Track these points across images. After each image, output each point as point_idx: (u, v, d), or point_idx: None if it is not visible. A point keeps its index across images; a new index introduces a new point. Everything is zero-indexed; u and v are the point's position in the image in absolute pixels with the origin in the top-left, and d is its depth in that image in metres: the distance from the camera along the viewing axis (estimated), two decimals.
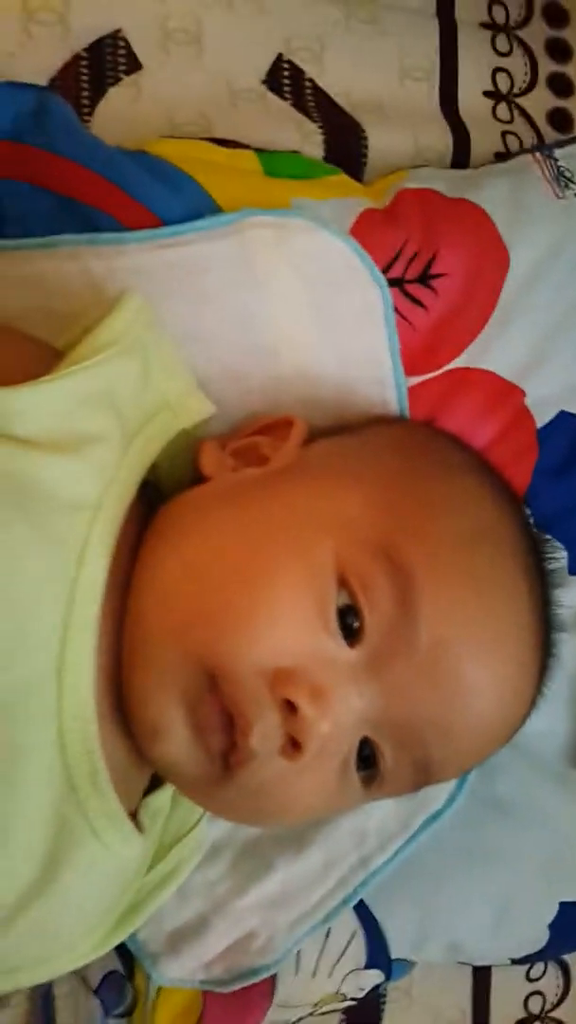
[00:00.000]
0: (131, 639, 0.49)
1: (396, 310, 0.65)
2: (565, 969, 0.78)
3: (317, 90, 0.71)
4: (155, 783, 0.55)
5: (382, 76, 0.74)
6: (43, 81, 0.64)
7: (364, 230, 0.64)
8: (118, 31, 0.66)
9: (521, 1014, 0.77)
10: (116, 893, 0.53)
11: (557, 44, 0.79)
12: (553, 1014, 0.78)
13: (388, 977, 0.69)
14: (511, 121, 0.77)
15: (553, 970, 0.78)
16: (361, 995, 0.69)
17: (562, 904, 0.70)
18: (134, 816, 0.52)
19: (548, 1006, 0.77)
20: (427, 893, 0.67)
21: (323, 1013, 0.69)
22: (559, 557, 0.70)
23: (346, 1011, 0.71)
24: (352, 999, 0.69)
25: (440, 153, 0.74)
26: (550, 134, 0.78)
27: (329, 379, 0.64)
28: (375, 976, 0.68)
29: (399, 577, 0.49)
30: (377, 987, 0.69)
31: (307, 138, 0.70)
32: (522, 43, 0.78)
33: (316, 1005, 0.68)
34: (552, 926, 0.70)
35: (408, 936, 0.68)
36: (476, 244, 0.67)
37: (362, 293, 0.64)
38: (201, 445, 0.56)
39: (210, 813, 0.57)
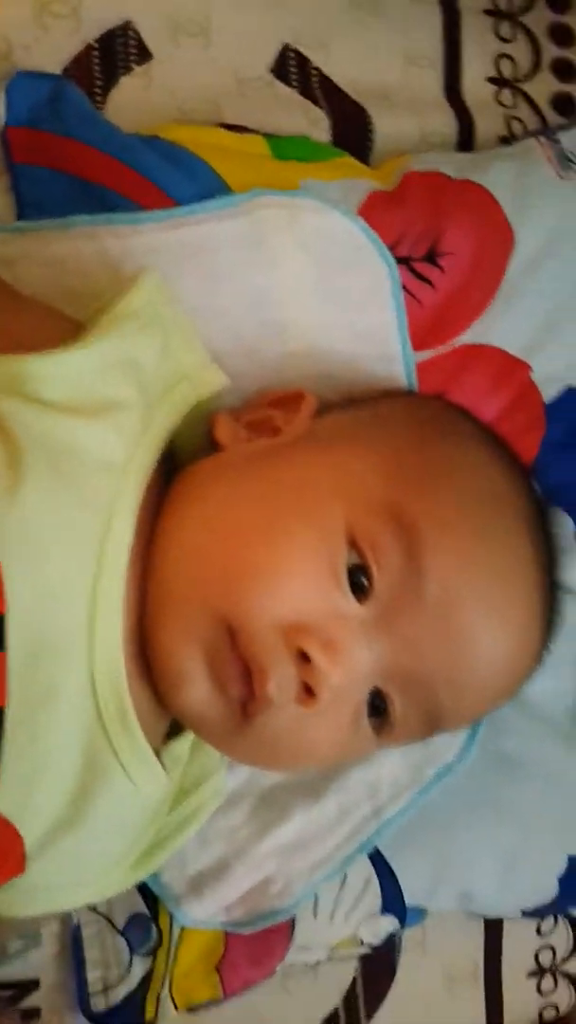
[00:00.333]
0: (155, 594, 0.52)
1: (404, 287, 0.67)
2: (575, 924, 0.79)
3: (323, 78, 0.73)
4: (175, 732, 0.57)
5: (387, 64, 0.75)
6: (56, 71, 0.66)
7: (372, 210, 0.66)
8: (128, 23, 0.68)
9: (532, 967, 0.78)
10: (139, 829, 0.55)
11: (560, 29, 0.80)
12: (564, 967, 0.79)
13: (403, 924, 0.70)
14: (515, 106, 0.78)
15: (564, 924, 0.79)
16: (377, 941, 0.70)
17: (571, 858, 0.71)
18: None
19: (558, 959, 0.79)
20: (439, 843, 0.69)
21: (340, 959, 0.71)
22: (564, 526, 0.71)
23: (362, 960, 0.73)
24: (368, 944, 0.71)
25: (445, 138, 0.75)
26: (554, 118, 0.79)
27: (338, 355, 0.65)
28: (390, 922, 0.70)
29: (406, 535, 0.52)
30: (392, 936, 0.71)
31: (314, 124, 0.72)
32: (525, 29, 0.79)
33: (334, 949, 0.70)
34: (561, 879, 0.71)
35: (421, 884, 0.70)
36: (482, 224, 0.69)
37: (370, 271, 0.65)
38: (216, 417, 0.59)
39: (229, 758, 0.59)
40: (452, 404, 0.66)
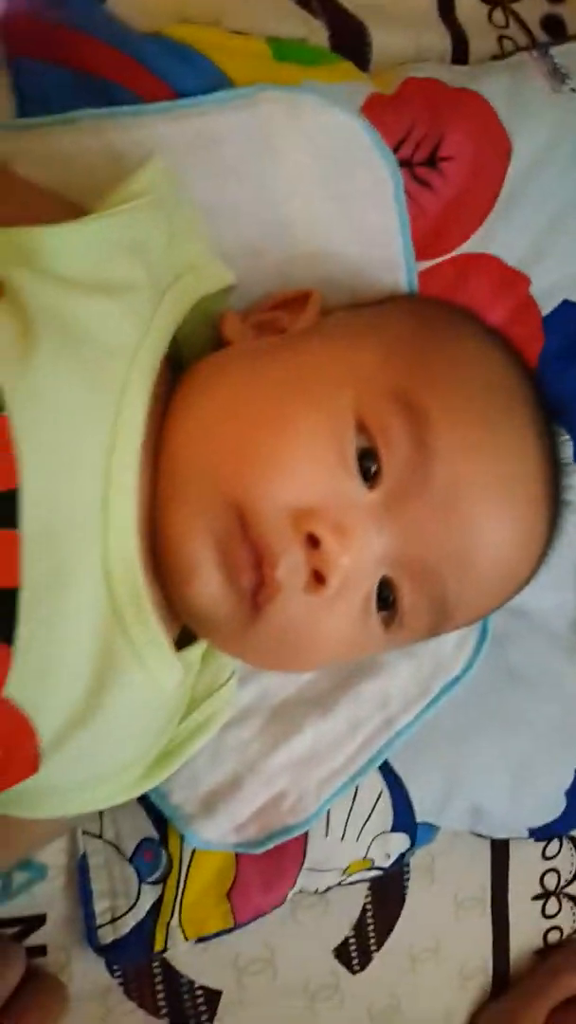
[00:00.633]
0: (166, 481, 0.50)
1: (405, 191, 0.66)
2: None
3: None
4: (185, 643, 0.55)
5: None
6: None
7: (373, 112, 0.66)
8: None
9: (537, 890, 0.78)
10: (152, 730, 0.53)
11: None
12: (567, 890, 0.79)
13: (413, 842, 0.69)
14: (506, 26, 0.79)
15: (568, 848, 0.79)
16: (388, 863, 0.69)
17: None
18: None
19: (562, 882, 0.78)
20: (449, 757, 0.69)
21: (351, 883, 0.70)
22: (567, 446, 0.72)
23: (371, 886, 0.72)
24: (379, 868, 0.69)
25: (440, 53, 0.75)
26: (543, 38, 0.79)
27: (343, 258, 0.65)
28: (401, 840, 0.69)
29: (415, 420, 0.51)
30: (402, 858, 0.70)
31: (313, 34, 0.71)
32: None
33: (345, 872, 0.69)
34: (569, 793, 0.71)
35: (432, 798, 0.69)
36: (480, 130, 0.69)
37: (373, 171, 0.65)
38: (224, 314, 0.58)
39: (239, 658, 0.57)
40: (457, 305, 0.65)
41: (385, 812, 0.68)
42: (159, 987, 0.67)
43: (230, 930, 0.66)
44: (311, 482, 0.49)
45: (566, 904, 0.79)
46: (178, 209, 0.56)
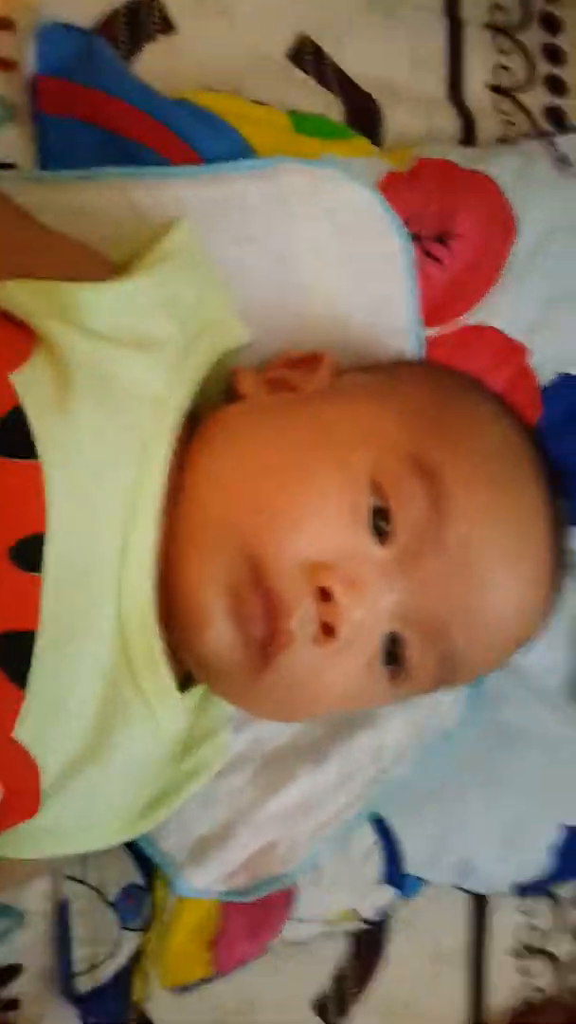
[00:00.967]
0: (183, 529, 0.51)
1: (415, 264, 0.69)
2: (556, 901, 0.80)
3: (336, 69, 0.76)
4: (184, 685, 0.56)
5: (395, 63, 0.78)
6: None
7: (388, 189, 0.69)
8: None
9: (515, 945, 0.78)
10: (151, 772, 0.54)
11: (553, 49, 0.85)
12: (546, 947, 0.79)
13: (402, 893, 0.70)
14: (511, 113, 0.82)
15: (545, 904, 0.79)
16: (373, 915, 0.70)
17: (566, 827, 0.72)
18: None
19: (541, 939, 0.79)
20: (441, 812, 0.70)
21: (333, 932, 0.70)
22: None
23: (352, 939, 0.72)
24: (363, 919, 0.70)
25: (450, 134, 0.78)
26: (546, 128, 0.83)
27: (353, 323, 0.67)
28: (389, 893, 0.69)
29: (430, 481, 0.53)
30: (386, 912, 0.70)
31: (329, 108, 0.74)
32: (521, 45, 0.84)
33: (330, 923, 0.69)
34: (554, 850, 0.72)
35: (423, 852, 0.70)
36: (488, 210, 0.72)
37: (387, 244, 0.68)
38: (238, 371, 0.59)
39: (244, 710, 0.58)
40: (467, 373, 0.67)
41: (375, 864, 0.69)
42: None
43: (209, 979, 0.66)
44: (325, 537, 0.51)
45: (544, 961, 0.79)
46: (204, 269, 0.58)
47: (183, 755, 0.58)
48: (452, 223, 0.71)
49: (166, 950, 0.64)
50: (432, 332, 0.71)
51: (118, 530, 0.48)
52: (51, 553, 0.45)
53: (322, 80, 0.75)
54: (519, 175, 0.74)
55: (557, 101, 0.84)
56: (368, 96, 0.76)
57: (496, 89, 0.82)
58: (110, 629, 0.48)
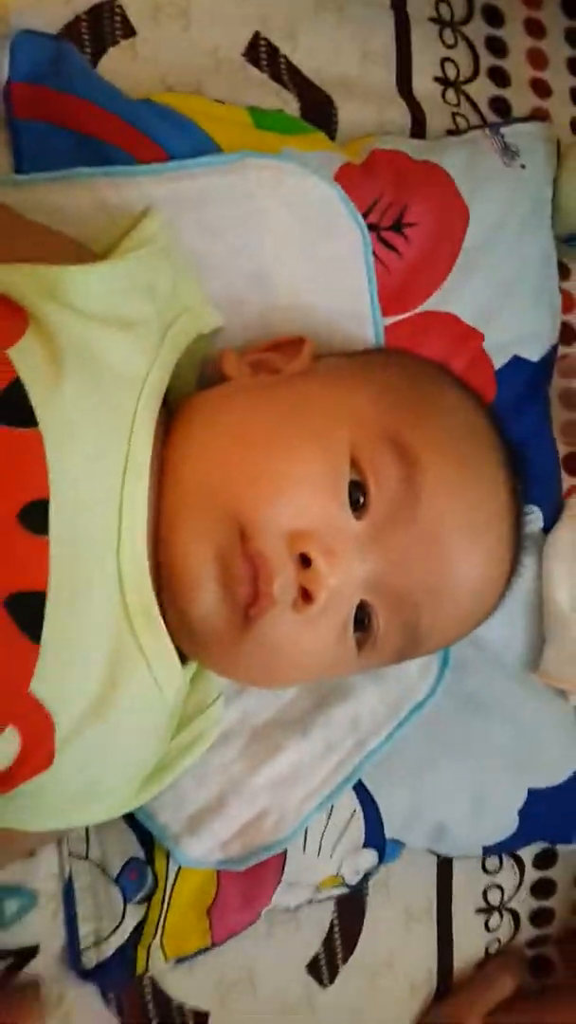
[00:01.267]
0: (173, 497, 0.54)
1: (374, 254, 0.72)
2: (520, 864, 0.84)
3: (291, 65, 0.78)
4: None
5: (347, 58, 0.81)
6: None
7: (345, 180, 0.72)
8: (115, 0, 0.72)
9: (481, 904, 0.83)
10: (152, 736, 0.57)
11: (495, 41, 0.89)
12: (510, 904, 0.83)
13: (382, 858, 0.73)
14: (458, 104, 0.85)
15: (509, 864, 0.84)
16: (356, 880, 0.73)
17: (530, 791, 0.76)
18: None
19: (505, 898, 0.83)
20: (415, 778, 0.73)
21: (322, 899, 0.73)
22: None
23: (337, 904, 0.76)
24: (347, 884, 0.73)
25: (400, 127, 0.82)
26: (492, 118, 0.86)
27: (317, 311, 0.70)
28: (371, 857, 0.73)
29: (404, 459, 0.56)
30: (368, 875, 0.74)
31: (285, 105, 0.77)
32: (465, 38, 0.87)
33: (318, 889, 0.72)
34: (521, 812, 0.76)
35: (400, 816, 0.73)
36: (441, 199, 0.76)
37: (346, 233, 0.71)
38: (224, 352, 0.62)
39: (224, 674, 0.61)
40: (435, 361, 0.69)
41: (358, 829, 0.72)
42: (151, 1013, 0.69)
43: (207, 949, 0.69)
44: (307, 507, 0.54)
45: (507, 917, 0.84)
46: (177, 256, 0.61)
47: (178, 729, 0.61)
48: (407, 212, 0.74)
49: (168, 921, 0.67)
50: (392, 319, 0.74)
51: (115, 499, 0.51)
52: (55, 517, 0.48)
53: (277, 77, 0.78)
54: (468, 166, 0.78)
55: (501, 92, 0.88)
56: (321, 91, 0.79)
57: (443, 81, 0.85)
58: (112, 588, 0.51)
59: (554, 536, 0.80)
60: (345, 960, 0.76)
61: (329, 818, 0.71)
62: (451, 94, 0.86)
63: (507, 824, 0.76)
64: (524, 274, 0.79)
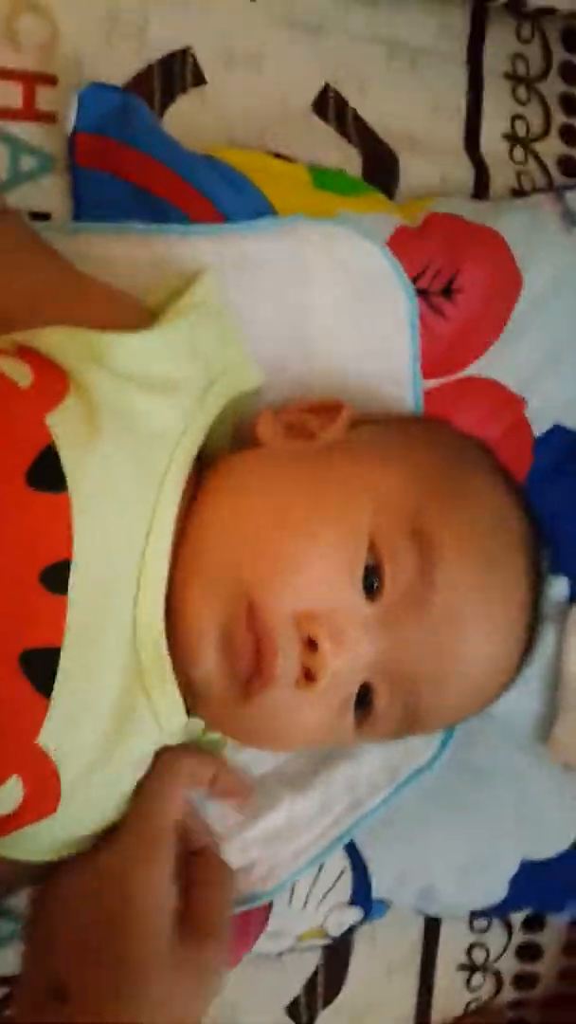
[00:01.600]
0: (189, 560, 0.56)
1: (420, 318, 0.72)
2: (509, 927, 0.85)
3: (357, 118, 0.79)
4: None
5: (415, 112, 0.81)
6: (120, 85, 0.71)
7: (398, 244, 0.72)
8: (188, 48, 0.73)
9: (464, 961, 0.84)
10: None
11: (570, 98, 0.88)
12: (495, 965, 0.85)
13: (367, 915, 0.75)
14: (525, 163, 0.85)
15: (498, 925, 0.85)
16: (339, 932, 0.75)
17: (523, 862, 0.77)
18: None
19: (491, 958, 0.85)
20: (408, 841, 0.75)
21: (304, 949, 0.75)
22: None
23: (324, 951, 0.78)
24: (331, 936, 0.75)
25: (462, 184, 0.82)
26: (559, 178, 0.86)
27: (358, 374, 0.71)
28: (356, 913, 0.75)
29: (423, 548, 0.57)
30: (352, 928, 0.75)
31: (347, 160, 0.77)
32: (539, 94, 0.87)
33: (300, 939, 0.74)
34: (512, 880, 0.77)
35: (390, 877, 0.75)
36: (494, 266, 0.76)
37: (393, 299, 0.71)
38: (261, 412, 0.64)
39: (224, 734, 0.62)
40: (468, 434, 0.70)
41: (345, 887, 0.74)
42: None
43: None
44: (320, 589, 0.55)
45: (489, 978, 0.85)
46: (223, 317, 0.62)
47: None
48: (458, 277, 0.74)
49: None
50: (435, 383, 0.74)
51: (136, 559, 0.53)
52: (77, 578, 0.50)
53: (343, 130, 0.78)
54: (526, 230, 0.78)
55: (571, 152, 0.87)
56: (386, 146, 0.79)
57: (511, 138, 0.85)
58: (126, 647, 0.53)
59: None
60: (326, 1005, 0.78)
61: (318, 874, 0.72)
62: (519, 152, 0.85)
63: (496, 890, 0.77)
64: (573, 341, 0.79)
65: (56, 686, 0.51)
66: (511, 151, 0.85)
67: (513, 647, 0.61)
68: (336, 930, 0.75)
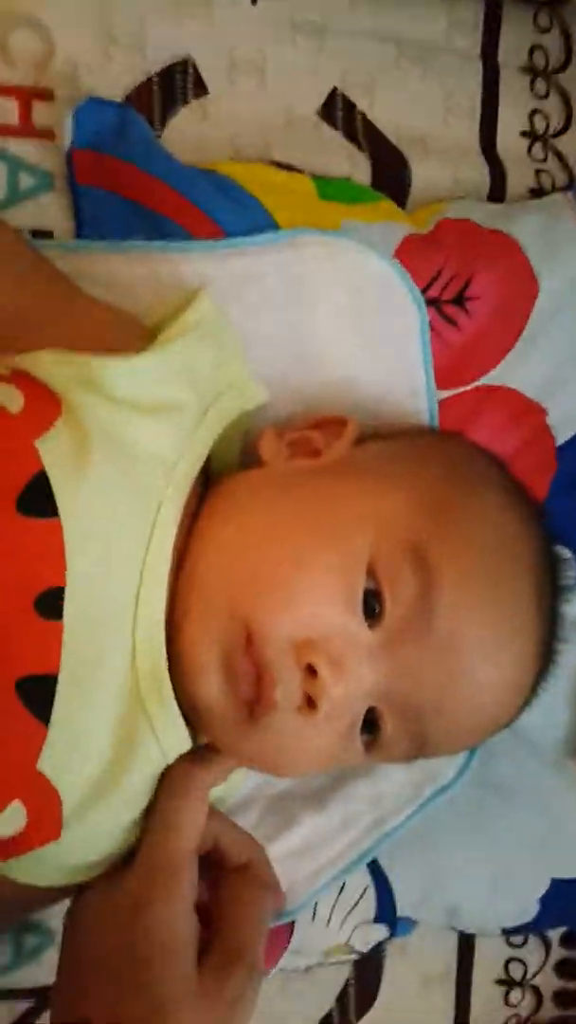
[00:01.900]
0: (187, 587, 0.55)
1: (432, 327, 0.70)
2: (547, 942, 0.83)
3: (367, 122, 0.77)
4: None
5: (427, 112, 0.79)
6: (118, 98, 0.69)
7: (407, 253, 0.70)
8: (188, 58, 0.72)
9: (501, 975, 0.82)
10: None
11: None
12: (533, 982, 0.83)
13: (393, 933, 0.74)
14: (545, 160, 0.82)
15: (535, 941, 0.83)
16: (367, 949, 0.74)
17: (554, 880, 0.76)
18: None
19: (528, 975, 0.83)
20: (433, 858, 0.73)
21: (332, 964, 0.74)
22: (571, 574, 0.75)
23: (355, 964, 0.77)
24: (358, 952, 0.74)
25: (477, 186, 0.79)
26: None
27: (366, 387, 0.69)
28: (381, 931, 0.74)
29: (424, 573, 0.55)
30: (381, 943, 0.75)
31: (356, 167, 0.75)
32: (559, 87, 0.83)
33: (327, 955, 0.73)
34: (543, 900, 0.76)
35: (413, 895, 0.74)
36: (508, 271, 0.73)
37: (402, 311, 0.69)
38: (263, 431, 0.63)
39: (232, 755, 0.60)
40: (478, 446, 0.69)
41: (369, 904, 0.73)
42: None
43: None
44: (318, 617, 0.54)
45: (528, 994, 0.83)
46: (223, 335, 0.62)
47: None
48: (471, 284, 0.72)
49: None
50: (450, 393, 0.72)
51: (133, 584, 0.52)
52: (70, 604, 0.50)
53: (351, 136, 0.76)
54: (542, 232, 0.75)
55: None
56: (396, 151, 0.77)
57: (530, 135, 0.82)
58: (124, 672, 0.53)
59: None
60: (358, 1019, 0.77)
61: (340, 892, 0.72)
62: (538, 149, 0.82)
63: (527, 909, 0.76)
64: None
65: (54, 713, 0.51)
66: (530, 148, 0.82)
67: (524, 668, 0.60)
68: (363, 946, 0.74)
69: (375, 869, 0.72)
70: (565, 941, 0.83)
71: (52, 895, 0.63)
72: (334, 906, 0.72)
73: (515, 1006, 0.82)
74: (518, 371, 0.74)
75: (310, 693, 0.53)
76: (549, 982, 0.83)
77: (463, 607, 0.56)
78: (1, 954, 0.66)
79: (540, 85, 0.83)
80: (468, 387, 0.73)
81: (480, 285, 0.72)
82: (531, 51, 0.83)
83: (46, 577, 0.50)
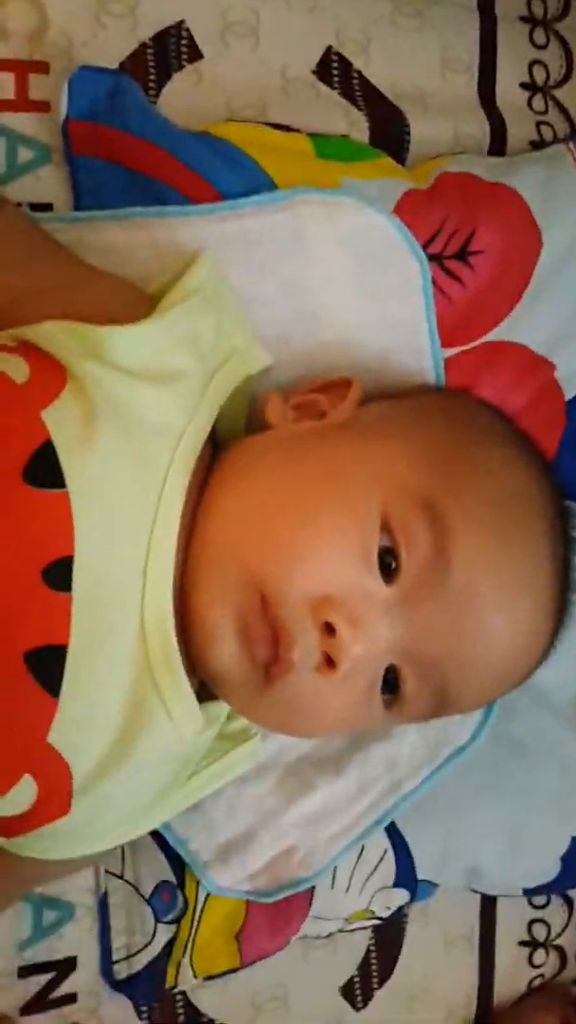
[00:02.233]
0: (198, 553, 0.55)
1: (435, 283, 0.70)
2: (569, 902, 0.83)
3: (363, 80, 0.76)
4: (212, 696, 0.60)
5: (424, 68, 0.78)
6: (113, 67, 0.69)
7: (407, 209, 0.70)
8: (181, 22, 0.71)
9: (525, 937, 0.83)
10: (170, 773, 0.58)
11: None
12: (556, 942, 0.83)
13: (413, 897, 0.74)
14: (546, 112, 0.81)
15: (557, 901, 0.83)
16: (387, 914, 0.74)
17: (573, 838, 0.75)
18: None
19: (552, 935, 0.83)
20: (451, 820, 0.73)
21: (353, 929, 0.75)
22: None
23: (375, 931, 0.77)
24: (379, 917, 0.74)
25: (477, 141, 0.78)
26: None
27: (369, 347, 0.69)
28: (401, 895, 0.74)
29: (437, 526, 0.55)
30: (401, 907, 0.75)
31: (354, 125, 0.75)
32: (559, 36, 0.82)
33: (347, 920, 0.73)
34: (564, 858, 0.75)
35: (433, 858, 0.74)
36: (511, 224, 0.72)
37: (403, 268, 0.69)
38: (267, 396, 0.62)
39: (249, 719, 0.62)
40: (483, 401, 0.68)
41: (388, 869, 0.73)
42: None
43: (235, 970, 0.71)
44: (333, 574, 0.54)
45: (553, 954, 0.83)
46: (224, 299, 0.61)
47: (213, 757, 0.62)
48: (474, 239, 0.71)
49: (196, 942, 0.69)
50: (455, 351, 0.72)
51: (141, 553, 0.52)
52: (79, 575, 0.50)
53: (348, 94, 0.75)
54: (545, 184, 0.74)
55: None
56: (394, 108, 0.76)
57: (530, 87, 0.81)
58: (133, 642, 0.52)
59: None
60: (381, 984, 0.78)
61: (359, 856, 0.72)
62: (538, 101, 0.81)
63: (548, 868, 0.76)
64: None
65: (64, 684, 0.50)
66: (530, 100, 0.81)
67: (541, 616, 0.59)
68: (383, 911, 0.74)
69: (393, 833, 0.72)
70: None
71: (62, 868, 0.63)
72: (353, 871, 0.72)
73: (539, 967, 0.83)
74: (524, 326, 0.73)
75: (329, 652, 0.53)
76: (573, 942, 0.84)
77: (479, 559, 0.55)
78: (22, 928, 0.67)
79: (539, 34, 0.82)
80: (474, 344, 0.73)
81: (483, 239, 0.71)
82: (529, 1, 0.82)
83: (54, 548, 0.50)
